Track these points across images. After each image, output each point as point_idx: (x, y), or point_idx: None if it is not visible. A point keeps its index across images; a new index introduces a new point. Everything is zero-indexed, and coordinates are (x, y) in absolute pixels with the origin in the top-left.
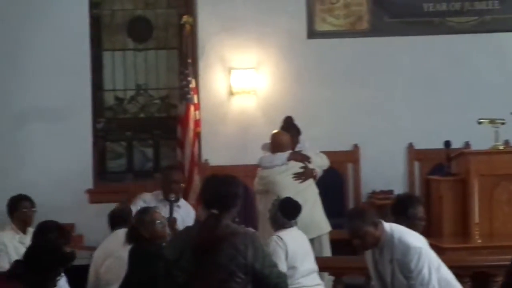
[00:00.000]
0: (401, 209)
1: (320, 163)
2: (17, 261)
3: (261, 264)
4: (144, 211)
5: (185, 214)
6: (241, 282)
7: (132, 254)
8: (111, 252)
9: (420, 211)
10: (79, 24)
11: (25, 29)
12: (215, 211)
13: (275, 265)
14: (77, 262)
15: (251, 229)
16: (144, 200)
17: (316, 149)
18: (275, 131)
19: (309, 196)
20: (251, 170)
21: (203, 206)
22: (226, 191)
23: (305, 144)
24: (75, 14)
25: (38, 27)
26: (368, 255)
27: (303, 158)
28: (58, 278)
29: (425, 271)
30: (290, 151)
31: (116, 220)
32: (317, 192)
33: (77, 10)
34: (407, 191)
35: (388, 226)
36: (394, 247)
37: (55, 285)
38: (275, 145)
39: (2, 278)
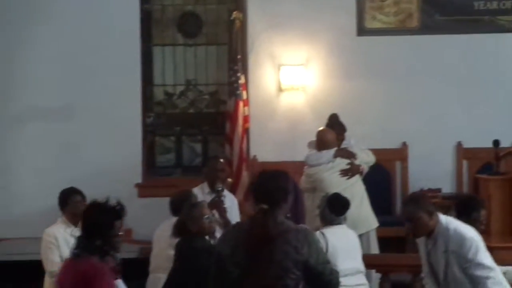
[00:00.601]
0: (464, 210)
1: (366, 160)
2: (78, 237)
3: (315, 260)
4: (193, 205)
5: (230, 203)
6: (295, 279)
7: (179, 248)
8: (159, 241)
9: (482, 214)
10: (130, 19)
11: (76, 23)
12: (264, 206)
13: (328, 262)
14: (126, 255)
15: (304, 226)
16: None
17: (363, 145)
18: (320, 128)
19: (356, 192)
20: (300, 166)
21: (253, 201)
22: (276, 186)
23: (351, 141)
24: (126, 9)
25: (89, 22)
26: (421, 246)
27: (349, 155)
28: (120, 238)
29: (485, 259)
30: (336, 148)
31: (174, 207)
32: (364, 188)
33: (128, 5)
34: (472, 193)
35: (444, 218)
36: (449, 238)
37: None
38: (320, 142)
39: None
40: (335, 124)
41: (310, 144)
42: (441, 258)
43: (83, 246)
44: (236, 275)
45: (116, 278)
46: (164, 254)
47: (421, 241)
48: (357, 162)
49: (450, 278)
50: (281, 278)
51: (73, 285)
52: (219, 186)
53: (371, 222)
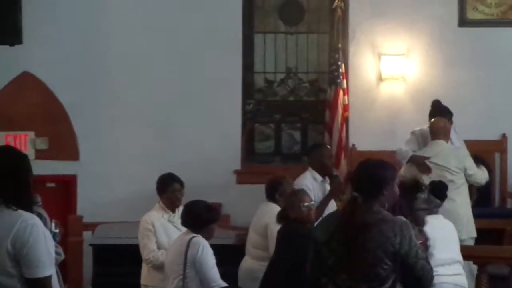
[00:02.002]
0: None
1: (479, 177)
2: None
3: (406, 253)
4: (294, 193)
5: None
6: (387, 269)
7: (279, 234)
8: (252, 225)
9: None
10: (232, 5)
11: (179, 9)
12: (356, 194)
13: (421, 258)
14: (224, 241)
15: (401, 218)
16: (306, 185)
17: (462, 136)
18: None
19: (461, 193)
20: None
21: (351, 189)
22: (372, 176)
23: (453, 133)
24: None
25: (192, 9)
26: None
27: (421, 165)
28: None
29: None
30: (411, 155)
31: (267, 193)
32: (468, 195)
33: None
34: None
35: None
36: None
37: None
38: (432, 132)
39: None
40: (440, 109)
41: (413, 133)
42: None
43: None
44: (331, 262)
45: None
46: (251, 239)
47: None
48: (455, 177)
49: None
50: (374, 267)
51: None
52: (335, 172)
53: (470, 230)
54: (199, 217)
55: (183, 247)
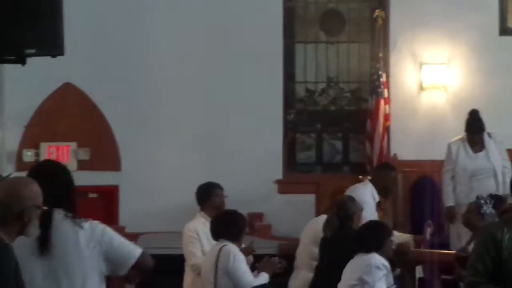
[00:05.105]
0: None
1: None
2: None
3: None
4: (354, 201)
5: None
6: None
7: (332, 241)
8: (304, 237)
9: None
10: (273, 16)
11: (220, 21)
12: None
13: None
14: (265, 251)
15: None
16: (368, 201)
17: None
18: None
19: None
20: (439, 165)
21: None
22: None
23: (491, 142)
24: (269, 6)
25: (233, 20)
26: None
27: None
28: None
29: None
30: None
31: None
32: None
33: (271, 2)
34: None
35: None
36: None
37: None
38: None
39: None
40: (475, 121)
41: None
42: None
43: None
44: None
45: None
46: (309, 252)
47: None
48: None
49: None
50: None
51: None
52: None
53: None
54: (236, 227)
55: (214, 256)
